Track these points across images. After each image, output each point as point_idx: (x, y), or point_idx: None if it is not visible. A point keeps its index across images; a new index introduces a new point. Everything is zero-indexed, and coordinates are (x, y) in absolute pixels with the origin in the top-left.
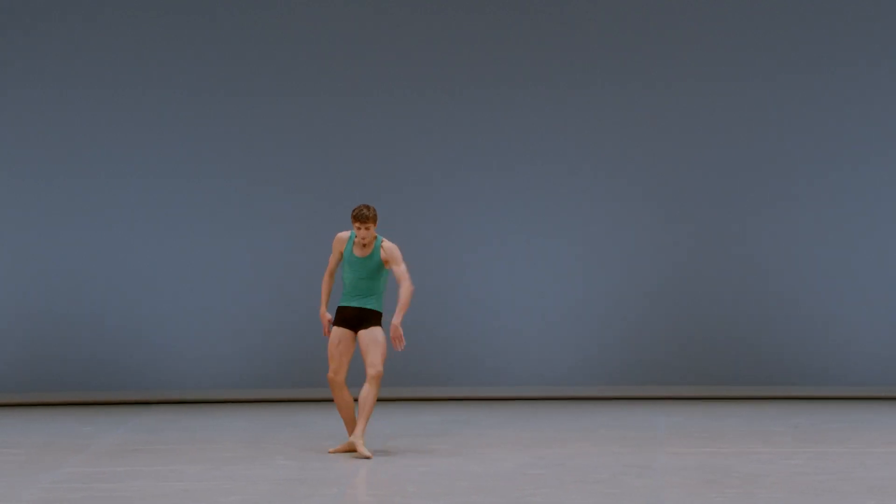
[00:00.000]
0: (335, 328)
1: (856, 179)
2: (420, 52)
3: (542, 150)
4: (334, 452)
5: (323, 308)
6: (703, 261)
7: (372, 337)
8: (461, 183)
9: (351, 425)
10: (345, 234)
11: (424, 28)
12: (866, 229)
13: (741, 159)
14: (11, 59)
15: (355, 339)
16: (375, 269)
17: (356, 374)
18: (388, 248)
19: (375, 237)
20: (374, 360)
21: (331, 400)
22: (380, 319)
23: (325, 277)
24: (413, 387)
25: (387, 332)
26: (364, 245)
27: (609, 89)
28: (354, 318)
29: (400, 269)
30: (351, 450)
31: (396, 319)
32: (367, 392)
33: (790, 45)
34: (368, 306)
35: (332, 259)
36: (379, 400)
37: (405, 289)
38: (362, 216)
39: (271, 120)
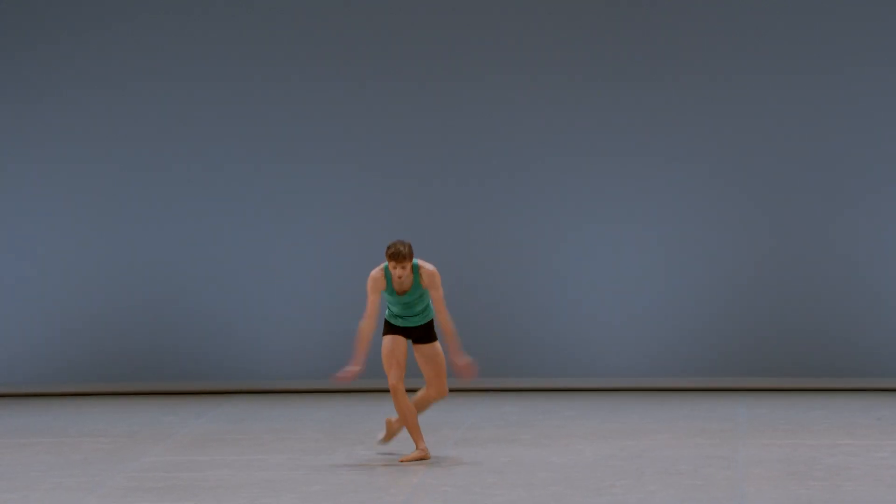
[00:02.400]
0: (387, 336)
1: None
2: (503, 38)
3: (629, 142)
4: (405, 461)
5: (358, 360)
6: (787, 252)
7: (434, 355)
8: (547, 173)
9: (415, 432)
10: (378, 274)
11: (516, 15)
12: None
13: (830, 151)
14: (107, 50)
15: (407, 344)
16: (419, 298)
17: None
18: (428, 274)
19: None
20: (442, 387)
21: (412, 390)
22: (433, 328)
23: (366, 323)
24: (495, 377)
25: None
26: (401, 278)
27: (699, 81)
28: (407, 332)
29: (438, 294)
30: (422, 457)
31: (457, 357)
32: (423, 403)
33: (885, 34)
34: (421, 323)
35: (372, 303)
36: (462, 390)
37: (445, 319)
38: (399, 255)
39: (364, 106)
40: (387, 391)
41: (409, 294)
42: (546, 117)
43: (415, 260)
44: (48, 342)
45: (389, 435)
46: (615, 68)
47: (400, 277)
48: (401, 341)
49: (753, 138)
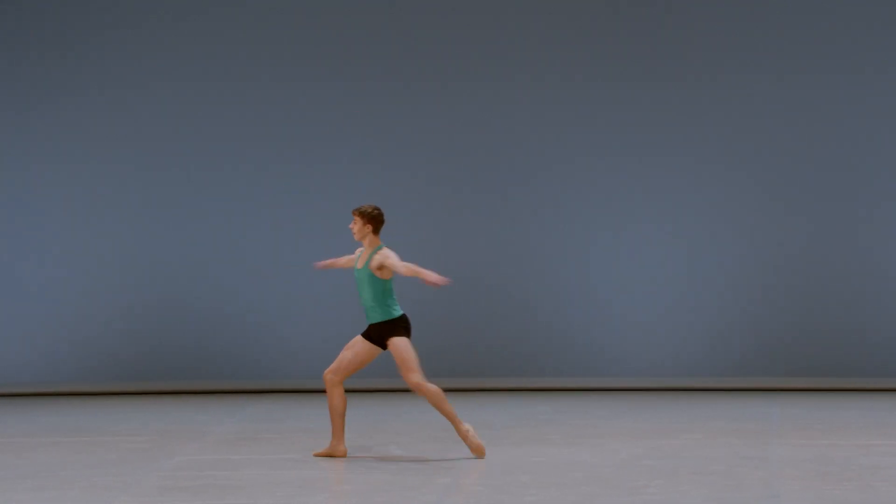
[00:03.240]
0: (358, 336)
1: None
2: (545, 42)
3: (662, 142)
4: (317, 455)
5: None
6: (821, 251)
7: (394, 351)
8: (580, 174)
9: (335, 430)
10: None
11: (558, 19)
12: None
13: (859, 152)
14: (138, 54)
15: (375, 352)
16: (368, 280)
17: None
18: (380, 253)
19: (370, 242)
20: (406, 376)
21: (458, 390)
22: (394, 326)
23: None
24: (527, 377)
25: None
26: (351, 230)
27: (730, 82)
28: (375, 336)
29: (391, 262)
30: (331, 455)
31: (427, 276)
32: (429, 400)
33: None
34: (377, 320)
35: (340, 259)
36: (494, 389)
37: (407, 270)
38: (358, 209)
39: (389, 105)
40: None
41: (358, 270)
42: (575, 118)
43: (381, 245)
44: (83, 342)
45: (475, 448)
46: (641, 68)
47: (351, 229)
48: (362, 346)
49: (783, 140)
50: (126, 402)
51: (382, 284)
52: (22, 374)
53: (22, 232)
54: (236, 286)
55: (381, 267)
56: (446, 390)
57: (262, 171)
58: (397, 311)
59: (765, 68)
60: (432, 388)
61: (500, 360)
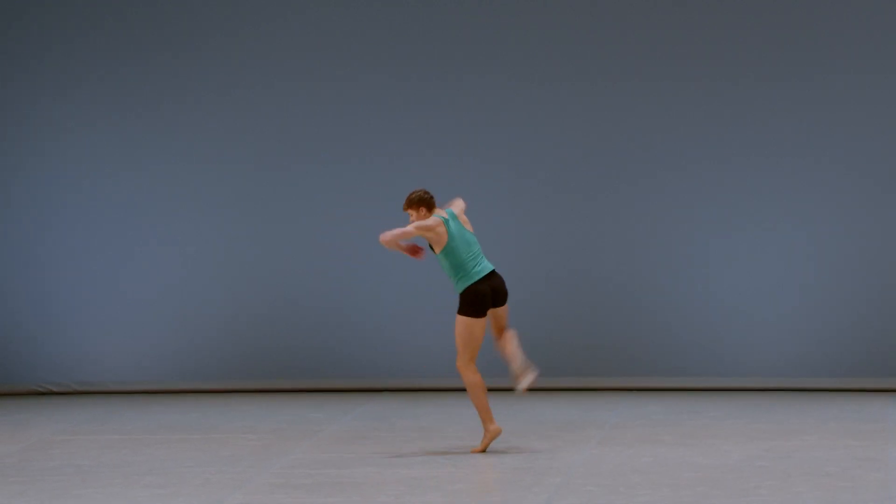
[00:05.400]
0: None
1: None
2: (644, 41)
3: (776, 142)
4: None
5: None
6: None
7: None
8: (695, 175)
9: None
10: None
11: (638, 20)
12: None
13: None
14: (262, 52)
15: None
16: (439, 258)
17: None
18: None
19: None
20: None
21: (553, 389)
22: (460, 301)
23: None
24: (640, 376)
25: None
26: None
27: (850, 81)
28: None
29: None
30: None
31: (395, 232)
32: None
33: None
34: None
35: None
36: (604, 389)
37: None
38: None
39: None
40: (534, 390)
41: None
42: (692, 120)
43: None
44: (198, 340)
45: (482, 447)
46: (763, 67)
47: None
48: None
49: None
50: (240, 401)
51: (441, 258)
52: (137, 373)
53: (130, 233)
54: (351, 285)
55: (428, 240)
56: (561, 389)
57: (368, 167)
58: (460, 286)
59: (881, 69)
60: (471, 378)
61: (616, 358)
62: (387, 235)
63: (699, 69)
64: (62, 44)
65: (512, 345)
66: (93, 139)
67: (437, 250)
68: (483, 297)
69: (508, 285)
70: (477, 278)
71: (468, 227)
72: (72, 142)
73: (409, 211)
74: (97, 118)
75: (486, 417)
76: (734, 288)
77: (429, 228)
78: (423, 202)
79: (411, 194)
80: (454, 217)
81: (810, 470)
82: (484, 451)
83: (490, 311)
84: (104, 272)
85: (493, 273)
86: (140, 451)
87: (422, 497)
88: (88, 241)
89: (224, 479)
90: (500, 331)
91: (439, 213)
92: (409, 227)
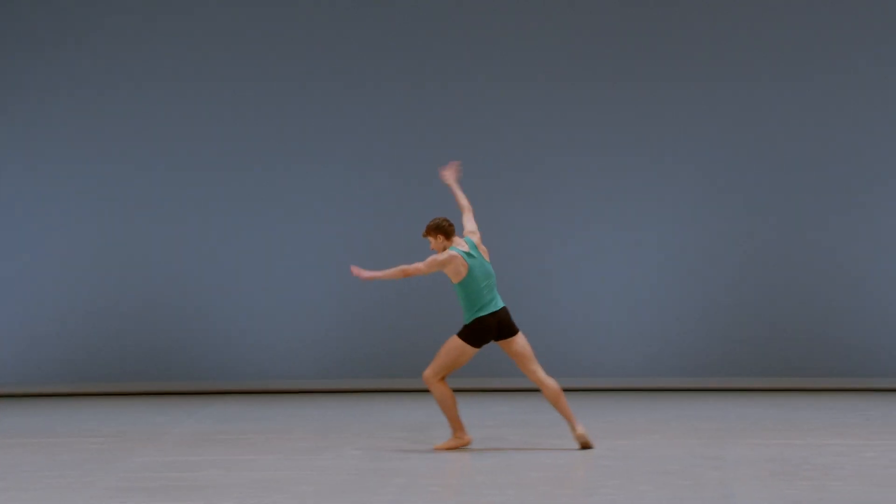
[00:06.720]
0: None
1: None
2: (507, 46)
3: (624, 144)
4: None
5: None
6: (778, 253)
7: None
8: (543, 175)
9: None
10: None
11: (520, 23)
12: None
13: (820, 154)
14: (118, 53)
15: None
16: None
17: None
18: None
19: (443, 249)
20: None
21: (400, 391)
22: (465, 329)
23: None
24: (485, 377)
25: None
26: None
27: (696, 86)
28: None
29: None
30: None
31: (369, 273)
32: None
33: (877, 38)
34: None
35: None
36: (460, 391)
37: (402, 268)
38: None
39: (354, 108)
40: (378, 391)
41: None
42: (539, 123)
43: (452, 248)
44: (39, 342)
45: (446, 447)
46: (627, 69)
47: (434, 250)
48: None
49: (746, 142)
50: (83, 404)
51: (458, 288)
52: None
53: None
54: (196, 288)
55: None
56: (406, 391)
57: (227, 174)
58: (469, 316)
59: (742, 76)
60: (441, 391)
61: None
62: (366, 274)
63: (546, 70)
64: None
65: (562, 405)
66: None
67: (455, 281)
68: (488, 329)
69: (362, 288)
70: (486, 311)
71: (486, 256)
72: None
73: (428, 238)
74: None
75: (456, 427)
76: (577, 290)
77: (442, 265)
78: (441, 230)
79: (431, 221)
80: (475, 247)
81: (653, 468)
82: (449, 450)
83: (508, 350)
84: None
85: (502, 309)
86: None
87: (266, 499)
88: None
89: (66, 483)
90: (531, 373)
91: (458, 245)
92: (420, 264)
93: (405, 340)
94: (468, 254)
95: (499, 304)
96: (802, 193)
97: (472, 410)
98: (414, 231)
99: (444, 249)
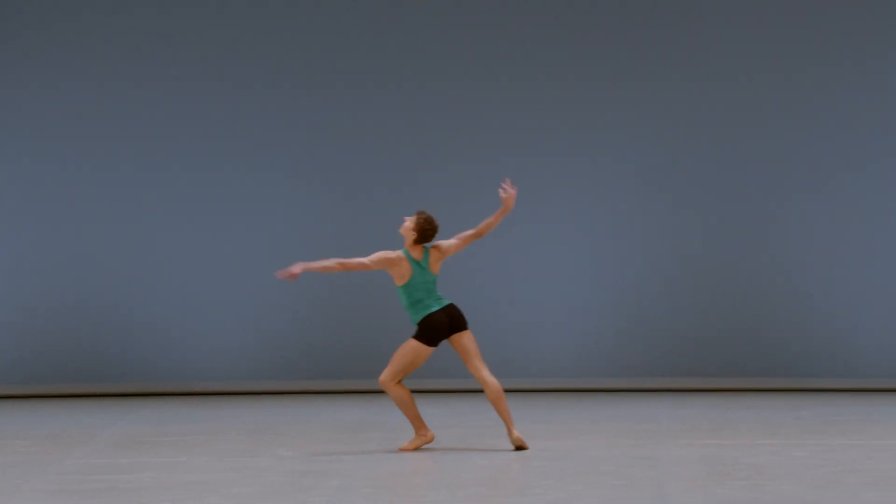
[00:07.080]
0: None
1: (867, 178)
2: (422, 46)
3: (553, 143)
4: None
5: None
6: (710, 254)
7: None
8: (471, 174)
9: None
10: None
11: (432, 24)
12: (877, 223)
13: (752, 153)
14: (48, 52)
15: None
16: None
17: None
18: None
19: (410, 239)
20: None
21: (333, 392)
22: (418, 331)
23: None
24: (419, 378)
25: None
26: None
27: (624, 84)
28: None
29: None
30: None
31: (300, 266)
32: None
33: (811, 39)
34: None
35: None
36: (377, 392)
37: (340, 261)
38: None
39: (287, 113)
40: (310, 392)
41: None
42: (462, 120)
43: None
44: None
45: (411, 446)
46: (543, 71)
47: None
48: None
49: (678, 141)
50: (12, 406)
51: (400, 291)
52: None
53: None
54: (126, 288)
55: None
56: (332, 393)
57: (164, 172)
58: (417, 317)
59: (666, 70)
60: (397, 393)
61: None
62: (297, 268)
63: (475, 70)
64: None
65: (502, 406)
66: None
67: (398, 283)
68: (441, 325)
69: (296, 289)
70: (434, 309)
71: (437, 265)
72: None
73: (412, 219)
74: None
75: (418, 426)
76: (508, 288)
77: (391, 263)
78: (421, 227)
79: (424, 213)
80: (427, 256)
81: (586, 469)
82: (414, 450)
83: (456, 345)
84: None
85: (450, 304)
86: None
87: (201, 501)
88: None
89: None
90: (475, 370)
91: (416, 251)
92: (365, 259)
93: (339, 341)
94: (416, 262)
95: (444, 301)
96: (735, 195)
97: (395, 413)
98: (373, 234)
99: (411, 240)
